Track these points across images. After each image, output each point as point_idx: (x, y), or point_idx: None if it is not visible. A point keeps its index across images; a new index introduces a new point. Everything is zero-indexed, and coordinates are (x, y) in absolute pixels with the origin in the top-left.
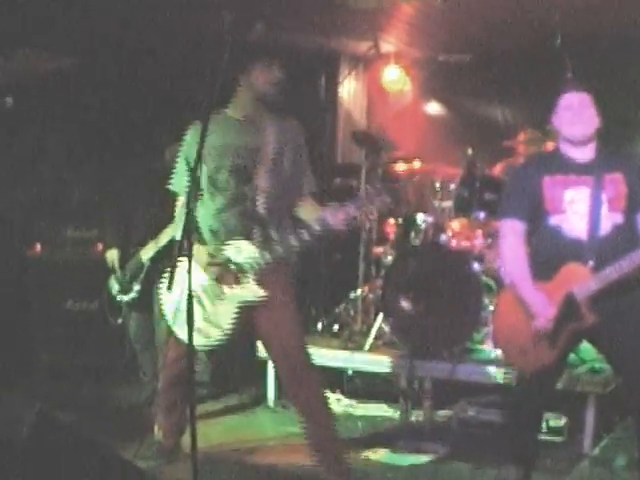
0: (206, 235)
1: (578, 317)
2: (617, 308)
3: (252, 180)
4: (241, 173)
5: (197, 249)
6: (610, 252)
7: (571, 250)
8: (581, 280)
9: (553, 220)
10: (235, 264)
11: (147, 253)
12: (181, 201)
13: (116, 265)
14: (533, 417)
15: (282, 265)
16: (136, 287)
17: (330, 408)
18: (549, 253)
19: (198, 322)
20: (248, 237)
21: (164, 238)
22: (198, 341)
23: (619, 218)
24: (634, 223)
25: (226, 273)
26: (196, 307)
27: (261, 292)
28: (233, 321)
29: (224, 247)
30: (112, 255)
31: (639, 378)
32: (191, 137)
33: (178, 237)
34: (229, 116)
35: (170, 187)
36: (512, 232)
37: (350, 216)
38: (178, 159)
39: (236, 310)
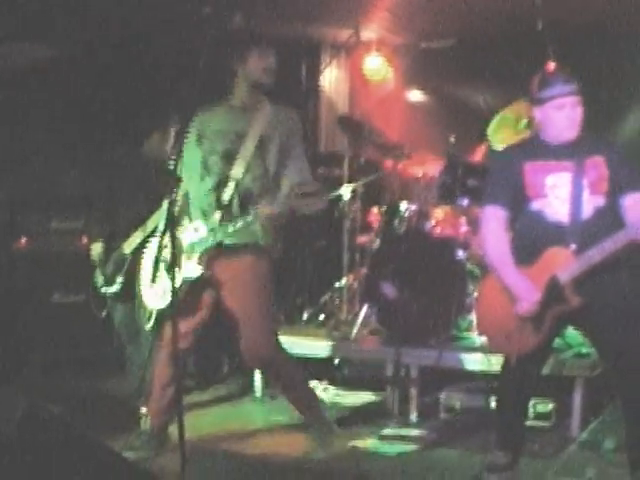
0: (196, 215)
1: (562, 300)
2: (601, 290)
3: (236, 164)
4: (229, 157)
5: None
6: (592, 235)
7: (553, 234)
8: (564, 263)
9: (535, 205)
10: (192, 243)
11: (130, 245)
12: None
13: (100, 258)
14: (519, 403)
15: (242, 249)
16: (119, 279)
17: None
18: (531, 237)
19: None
20: (221, 218)
21: (150, 226)
22: (153, 300)
23: (601, 201)
24: (616, 205)
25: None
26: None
27: (198, 270)
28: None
29: (185, 227)
30: (96, 248)
31: (623, 360)
32: (194, 125)
33: (161, 227)
34: (229, 104)
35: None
36: (493, 218)
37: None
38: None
39: (182, 284)
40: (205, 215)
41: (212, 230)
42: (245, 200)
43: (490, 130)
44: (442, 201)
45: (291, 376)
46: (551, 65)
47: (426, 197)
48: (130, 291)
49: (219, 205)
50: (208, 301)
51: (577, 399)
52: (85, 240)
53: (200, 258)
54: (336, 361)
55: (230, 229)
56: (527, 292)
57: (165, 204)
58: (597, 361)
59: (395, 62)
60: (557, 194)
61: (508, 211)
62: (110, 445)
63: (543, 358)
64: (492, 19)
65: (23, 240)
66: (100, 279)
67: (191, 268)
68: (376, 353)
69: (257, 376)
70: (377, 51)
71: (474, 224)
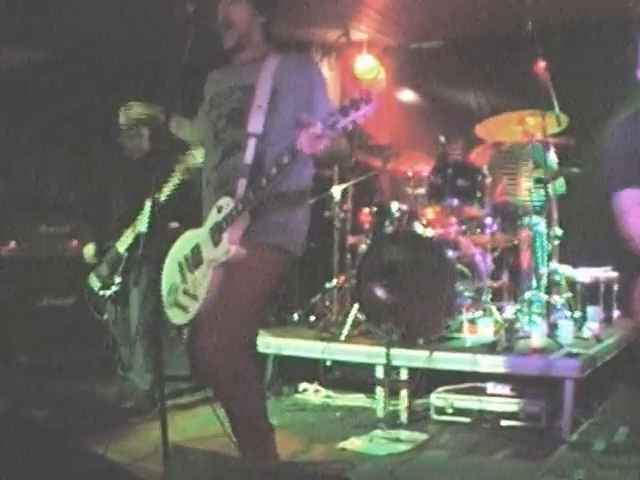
0: (205, 192)
1: None
2: None
3: (246, 124)
4: (237, 117)
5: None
6: None
7: None
8: None
9: None
10: (215, 223)
11: (123, 244)
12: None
13: (94, 260)
14: None
15: (259, 228)
16: (117, 280)
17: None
18: None
19: (179, 295)
20: (232, 192)
21: (139, 225)
22: (178, 316)
23: None
24: None
25: (207, 236)
26: (178, 278)
27: (232, 248)
28: (206, 288)
29: (208, 207)
30: (89, 250)
31: None
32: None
33: (143, 228)
34: (236, 62)
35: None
36: (631, 202)
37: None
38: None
39: (209, 275)
40: (212, 191)
41: (240, 201)
42: (267, 161)
43: (487, 130)
44: (432, 201)
45: (246, 405)
46: (541, 64)
47: (416, 197)
48: (128, 292)
49: (241, 171)
50: None
51: (567, 400)
52: (74, 244)
53: (230, 236)
54: (327, 363)
55: (259, 190)
56: None
57: (148, 203)
58: (588, 362)
59: (385, 62)
60: None
61: None
62: (94, 448)
63: None
64: (481, 19)
65: (12, 244)
66: (96, 283)
67: (222, 248)
68: (366, 354)
69: None
70: (368, 52)
71: (464, 224)
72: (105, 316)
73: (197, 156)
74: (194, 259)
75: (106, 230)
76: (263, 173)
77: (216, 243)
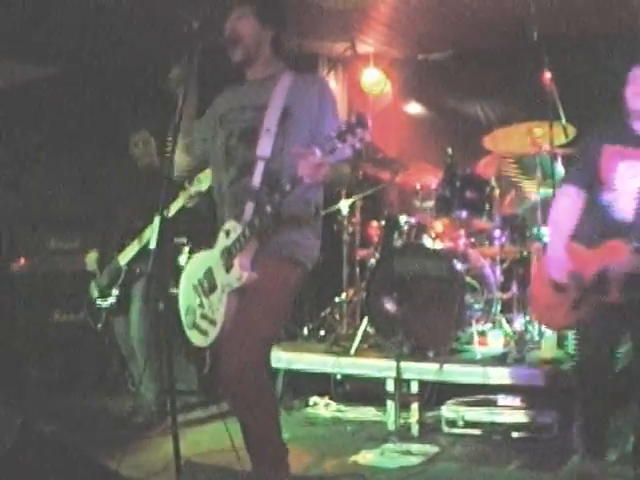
0: (219, 210)
1: (604, 291)
2: None
3: (260, 143)
4: (248, 137)
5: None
6: None
7: (618, 227)
8: (620, 258)
9: (606, 195)
10: (225, 248)
11: (125, 257)
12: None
13: (95, 269)
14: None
15: (273, 249)
16: (114, 292)
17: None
18: (598, 224)
19: (197, 318)
20: (239, 215)
21: (146, 237)
22: (198, 339)
23: None
24: None
25: (219, 260)
26: (195, 301)
27: (245, 275)
28: (223, 313)
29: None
30: (92, 258)
31: None
32: (214, 110)
33: (152, 243)
34: (248, 79)
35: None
36: (565, 196)
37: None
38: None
39: (225, 300)
40: (226, 213)
41: (247, 225)
42: (275, 183)
43: (495, 141)
44: (441, 213)
45: (264, 417)
46: (547, 75)
47: (425, 210)
48: (126, 305)
49: (249, 194)
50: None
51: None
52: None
53: (241, 261)
54: (338, 376)
55: (264, 217)
56: (558, 262)
57: (157, 218)
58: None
59: (392, 75)
60: (628, 185)
61: (582, 191)
62: (107, 462)
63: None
64: (488, 30)
65: (22, 260)
66: (95, 291)
67: (234, 273)
68: (376, 368)
69: None
70: (374, 64)
71: (473, 236)
72: (99, 325)
73: (203, 181)
74: (208, 283)
75: (110, 240)
76: (269, 199)
77: (228, 269)
